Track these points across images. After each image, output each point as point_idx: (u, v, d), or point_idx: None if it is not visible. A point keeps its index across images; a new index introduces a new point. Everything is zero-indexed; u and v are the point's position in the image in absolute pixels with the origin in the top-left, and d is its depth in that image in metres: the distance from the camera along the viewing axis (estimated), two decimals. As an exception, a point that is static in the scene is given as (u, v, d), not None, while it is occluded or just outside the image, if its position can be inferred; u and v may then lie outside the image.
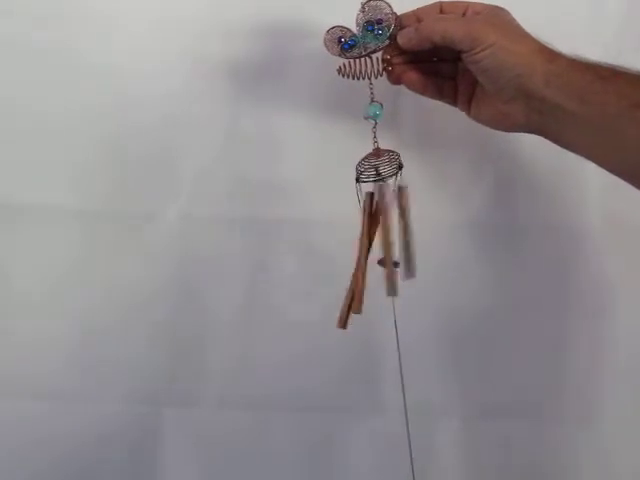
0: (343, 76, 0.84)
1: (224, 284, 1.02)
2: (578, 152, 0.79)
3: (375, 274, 0.85)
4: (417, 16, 0.82)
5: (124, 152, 1.01)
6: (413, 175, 0.92)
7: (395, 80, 0.85)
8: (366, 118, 0.85)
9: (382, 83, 0.85)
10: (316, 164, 1.01)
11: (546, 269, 1.02)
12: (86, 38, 0.99)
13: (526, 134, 0.82)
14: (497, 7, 0.80)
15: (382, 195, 0.83)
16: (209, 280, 1.02)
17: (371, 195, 0.84)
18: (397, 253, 0.84)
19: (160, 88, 1.00)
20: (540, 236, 1.01)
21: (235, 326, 1.03)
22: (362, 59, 0.83)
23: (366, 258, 0.84)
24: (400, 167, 0.84)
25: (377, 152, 0.84)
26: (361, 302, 0.84)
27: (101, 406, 1.03)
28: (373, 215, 0.85)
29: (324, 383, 1.03)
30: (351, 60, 0.84)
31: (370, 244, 0.85)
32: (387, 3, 0.81)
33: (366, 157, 0.84)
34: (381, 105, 0.85)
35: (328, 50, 0.84)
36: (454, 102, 0.87)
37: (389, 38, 0.82)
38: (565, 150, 0.80)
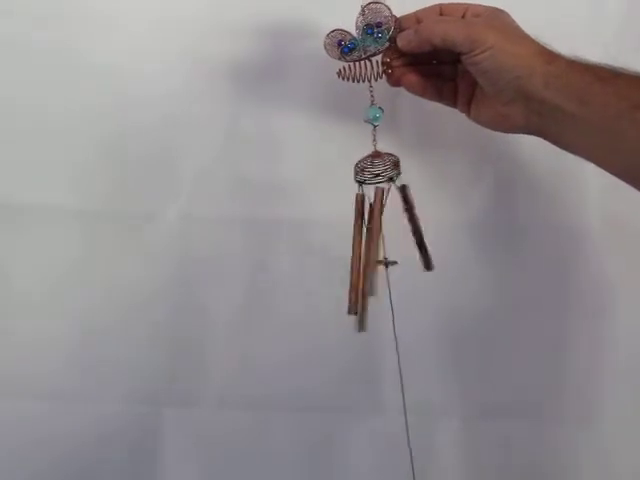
0: (343, 79, 0.84)
1: (224, 284, 1.02)
2: (578, 153, 0.79)
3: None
4: (417, 18, 0.82)
5: (124, 152, 1.01)
6: (413, 175, 0.92)
7: (395, 82, 0.85)
8: (366, 121, 0.85)
9: (382, 85, 0.85)
10: (316, 164, 1.01)
11: (546, 269, 1.02)
12: (86, 38, 0.99)
13: (526, 135, 0.82)
14: (496, 9, 0.80)
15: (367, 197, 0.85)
16: (209, 280, 1.02)
17: (361, 197, 0.85)
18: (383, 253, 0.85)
19: (160, 88, 1.00)
20: (540, 236, 1.01)
21: (235, 326, 1.03)
22: (362, 62, 0.83)
23: (359, 258, 0.85)
24: (397, 167, 0.84)
25: (376, 154, 0.84)
26: (357, 301, 0.84)
27: (101, 406, 1.03)
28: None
29: (324, 383, 1.03)
30: (351, 63, 0.84)
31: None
32: (387, 6, 0.81)
33: (365, 158, 0.84)
34: (381, 108, 0.85)
35: (328, 54, 0.84)
36: (454, 104, 0.87)
37: (389, 41, 0.82)
38: (565, 151, 0.80)
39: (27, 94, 1.00)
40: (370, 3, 0.81)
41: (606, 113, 0.73)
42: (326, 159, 1.00)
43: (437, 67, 0.86)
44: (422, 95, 0.87)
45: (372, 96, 0.85)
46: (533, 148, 0.95)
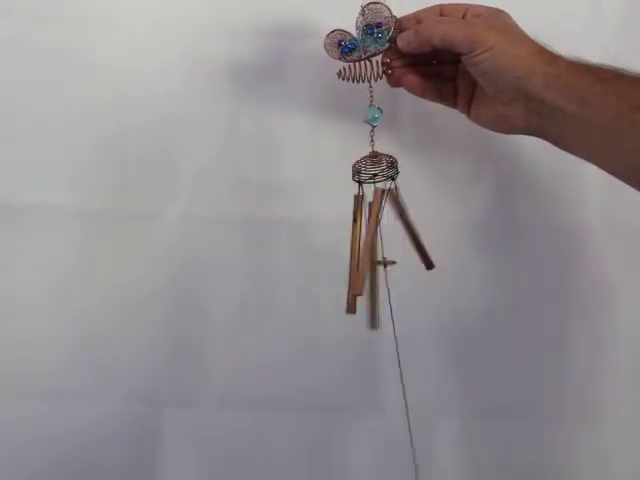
0: (343, 79, 0.84)
1: (224, 284, 1.02)
2: (578, 154, 0.79)
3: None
4: (417, 19, 0.82)
5: (124, 152, 1.01)
6: (413, 176, 0.93)
7: (395, 83, 0.85)
8: (365, 121, 0.85)
9: (382, 85, 0.85)
10: (316, 164, 1.01)
11: (546, 269, 1.02)
12: (86, 38, 0.99)
13: (526, 135, 0.82)
14: (497, 10, 0.80)
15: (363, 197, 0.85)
16: (209, 280, 1.02)
17: (359, 197, 0.86)
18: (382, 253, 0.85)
19: (160, 88, 1.00)
20: (540, 236, 1.01)
21: (235, 326, 1.03)
22: (362, 62, 0.83)
23: (357, 258, 0.85)
24: (394, 167, 0.84)
25: (374, 155, 0.85)
26: (355, 301, 0.84)
27: (101, 406, 1.03)
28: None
29: (324, 383, 1.03)
30: (351, 63, 0.84)
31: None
32: (387, 6, 0.81)
33: (362, 159, 0.85)
34: (379, 109, 0.85)
35: (328, 54, 0.83)
36: (454, 104, 0.87)
37: (389, 41, 0.82)
38: (565, 151, 0.80)
39: (27, 94, 1.00)
40: (370, 3, 0.81)
41: (606, 114, 0.73)
42: (326, 159, 1.00)
43: (437, 67, 0.86)
44: (422, 96, 0.87)
45: (371, 96, 0.85)
46: (533, 148, 0.95)
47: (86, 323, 1.02)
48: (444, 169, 1.01)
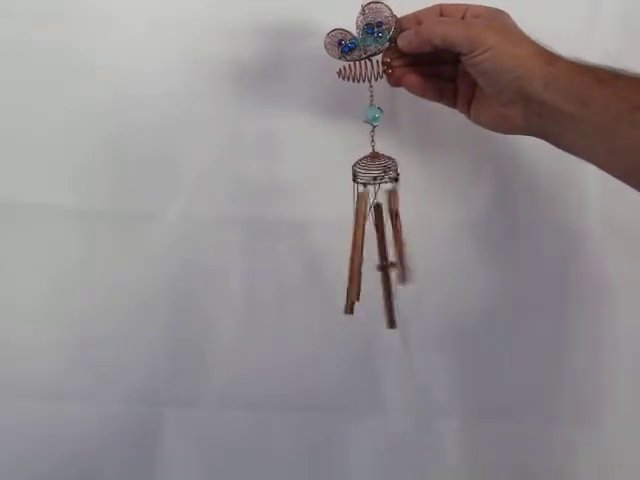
0: (343, 79, 0.84)
1: (224, 284, 1.02)
2: (578, 155, 0.78)
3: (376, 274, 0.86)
4: (417, 19, 0.82)
5: (124, 152, 1.01)
6: (413, 175, 0.93)
7: (395, 83, 0.85)
8: (365, 121, 0.85)
9: (382, 85, 0.85)
10: (316, 164, 1.00)
11: (546, 269, 1.02)
12: (86, 38, 0.99)
13: (526, 136, 0.82)
14: (497, 10, 0.80)
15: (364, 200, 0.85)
16: (209, 280, 1.02)
17: (362, 197, 0.85)
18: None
19: (160, 88, 1.00)
20: (540, 236, 1.01)
21: (235, 326, 1.03)
22: (362, 62, 0.83)
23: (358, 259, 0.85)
24: (393, 170, 0.84)
25: (374, 155, 0.85)
26: (354, 302, 0.85)
27: (101, 406, 1.03)
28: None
29: (324, 383, 1.03)
30: (351, 63, 0.84)
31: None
32: (387, 6, 0.81)
33: (363, 159, 0.85)
34: (380, 108, 0.85)
35: (328, 53, 0.83)
36: (454, 104, 0.87)
37: (389, 41, 0.81)
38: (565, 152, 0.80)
39: (27, 94, 1.00)
40: (370, 3, 0.81)
41: (606, 114, 0.73)
42: (326, 159, 1.00)
43: (437, 67, 0.86)
44: (422, 95, 0.86)
45: (372, 96, 0.85)
46: (533, 148, 0.95)
47: (86, 323, 1.02)
48: (444, 169, 1.01)
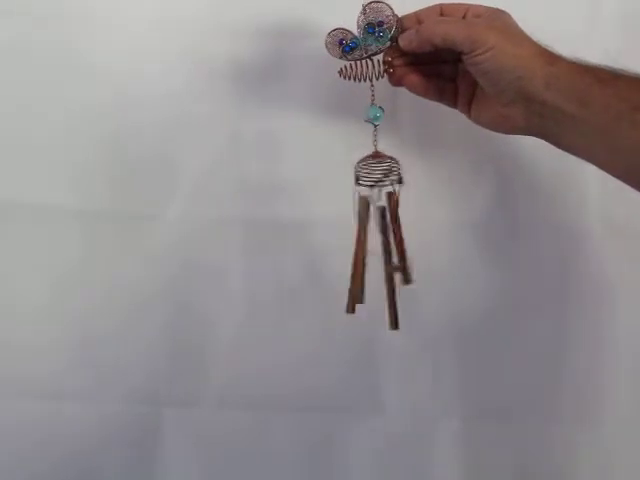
0: (345, 78, 0.84)
1: (224, 284, 1.02)
2: (578, 155, 0.79)
3: (377, 273, 0.86)
4: (418, 18, 0.82)
5: (124, 152, 1.01)
6: (414, 175, 0.92)
7: (396, 82, 0.85)
8: (366, 121, 0.85)
9: (382, 84, 0.85)
10: (317, 164, 1.00)
11: (546, 269, 1.02)
12: (86, 38, 0.99)
13: (526, 136, 0.82)
14: (497, 10, 0.80)
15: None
16: (209, 280, 1.02)
17: (365, 199, 0.85)
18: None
19: (160, 88, 1.00)
20: (540, 236, 1.01)
21: (235, 326, 1.03)
22: (363, 61, 0.84)
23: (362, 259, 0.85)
24: (396, 171, 0.84)
25: (376, 155, 0.85)
26: (355, 301, 0.85)
27: (101, 406, 1.03)
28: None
29: (324, 383, 1.03)
30: (352, 62, 0.84)
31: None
32: (388, 5, 0.81)
33: (364, 159, 0.84)
34: (381, 108, 0.85)
35: (329, 52, 0.84)
36: (454, 104, 0.87)
37: (390, 40, 0.82)
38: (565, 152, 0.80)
39: (27, 94, 1.00)
40: (371, 2, 0.81)
41: (606, 114, 0.73)
42: (327, 159, 1.00)
43: (438, 67, 0.86)
44: (423, 95, 0.86)
45: (373, 95, 0.85)
46: (534, 148, 0.95)
47: (86, 323, 1.02)
48: (444, 169, 1.00)
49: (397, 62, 0.84)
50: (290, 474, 1.04)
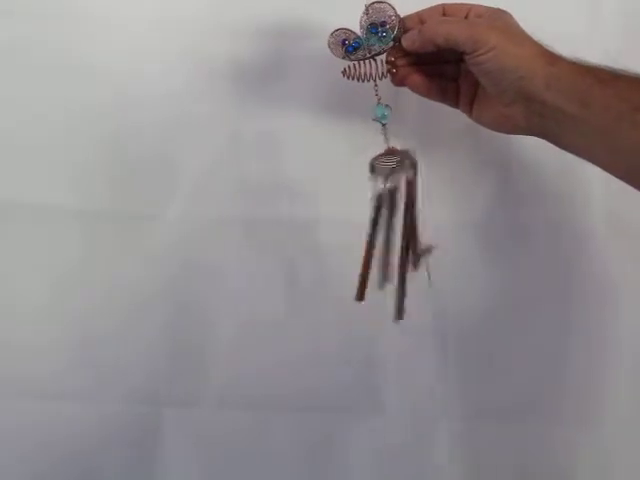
0: (348, 78, 0.85)
1: (224, 284, 1.02)
2: (579, 155, 0.79)
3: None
4: (420, 18, 0.83)
5: (124, 152, 1.01)
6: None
7: (399, 82, 0.85)
8: (374, 120, 0.85)
9: (384, 83, 0.85)
10: (318, 164, 1.00)
11: (548, 269, 1.02)
12: (86, 38, 0.99)
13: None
14: (499, 10, 0.80)
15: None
16: (209, 280, 1.02)
17: (382, 190, 0.85)
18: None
19: (160, 88, 1.00)
20: (542, 236, 1.01)
21: (235, 326, 1.02)
22: (366, 61, 0.84)
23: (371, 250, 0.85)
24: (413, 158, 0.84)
25: (390, 151, 0.85)
26: (364, 289, 0.85)
27: (101, 406, 1.03)
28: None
29: (324, 383, 1.03)
30: (355, 62, 0.84)
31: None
32: (391, 5, 0.81)
33: (379, 155, 0.85)
34: (388, 106, 0.85)
35: (332, 52, 0.84)
36: (456, 104, 0.87)
37: (393, 40, 0.82)
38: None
39: (27, 94, 1.00)
40: (374, 2, 0.82)
41: (607, 115, 0.73)
42: (328, 159, 1.00)
43: (440, 67, 0.86)
44: (426, 95, 0.87)
45: (378, 95, 0.85)
46: (536, 148, 0.94)
47: (86, 323, 1.02)
48: (446, 169, 1.01)
49: (400, 62, 0.84)
50: (290, 474, 1.04)
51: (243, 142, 1.01)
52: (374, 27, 0.82)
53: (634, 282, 1.01)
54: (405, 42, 0.82)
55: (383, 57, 0.84)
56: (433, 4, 0.84)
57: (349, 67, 0.84)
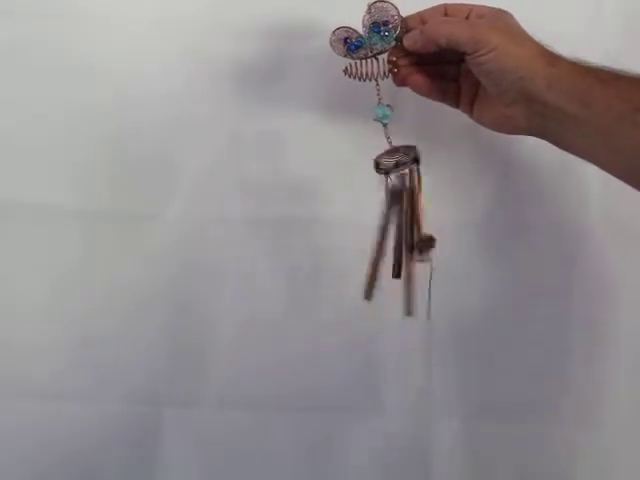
0: (350, 77, 0.85)
1: (224, 284, 1.02)
2: (580, 155, 0.79)
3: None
4: (422, 18, 0.83)
5: (124, 152, 1.01)
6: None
7: (400, 82, 0.85)
8: (375, 120, 0.85)
9: (384, 83, 0.85)
10: (318, 164, 1.00)
11: (547, 269, 1.02)
12: (86, 38, 0.99)
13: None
14: (500, 10, 0.81)
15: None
16: (209, 280, 1.02)
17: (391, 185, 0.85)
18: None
19: (160, 88, 1.00)
20: (542, 235, 1.01)
21: (235, 326, 1.02)
22: (368, 60, 0.84)
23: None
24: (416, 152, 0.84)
25: (394, 149, 0.85)
26: (372, 287, 0.84)
27: (101, 406, 1.03)
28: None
29: (324, 383, 1.03)
30: (357, 61, 0.84)
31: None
32: (393, 5, 0.82)
33: (383, 153, 0.84)
34: (389, 106, 0.85)
35: (334, 51, 0.84)
36: (456, 104, 0.87)
37: (395, 40, 0.82)
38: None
39: (27, 94, 1.00)
40: (377, 2, 0.82)
41: (608, 115, 0.74)
42: (328, 158, 1.00)
43: (441, 67, 0.86)
44: (427, 95, 0.87)
45: (379, 94, 0.85)
46: (535, 148, 0.94)
47: (86, 323, 1.02)
48: (446, 169, 1.01)
49: (402, 62, 0.84)
50: (290, 474, 1.04)
51: (243, 142, 1.01)
52: (376, 26, 0.82)
53: (632, 281, 1.01)
54: (407, 42, 0.82)
55: (385, 56, 0.84)
56: (435, 4, 0.84)
57: (351, 65, 0.84)
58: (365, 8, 0.83)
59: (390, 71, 0.84)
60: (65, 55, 0.99)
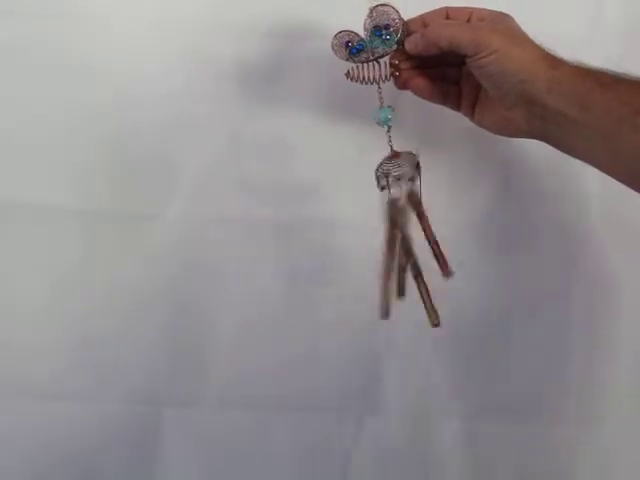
0: (351, 80, 0.85)
1: (224, 284, 1.02)
2: (580, 158, 0.79)
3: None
4: (423, 21, 0.83)
5: (124, 152, 1.01)
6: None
7: (402, 85, 0.86)
8: (378, 123, 0.85)
9: (385, 85, 0.85)
10: (319, 165, 1.00)
11: (548, 269, 1.02)
12: (86, 38, 0.99)
13: (529, 138, 0.83)
14: (501, 13, 0.81)
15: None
16: (209, 280, 1.02)
17: (393, 202, 0.85)
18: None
19: (160, 88, 1.00)
20: (542, 236, 1.01)
21: (235, 326, 1.03)
22: (370, 64, 0.84)
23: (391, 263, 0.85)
24: (418, 167, 0.84)
25: (395, 155, 0.85)
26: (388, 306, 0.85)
27: (101, 406, 1.03)
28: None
29: (324, 383, 1.03)
30: (359, 64, 0.84)
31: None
32: (395, 9, 0.82)
33: (383, 161, 0.85)
34: (391, 108, 0.85)
35: (336, 54, 0.84)
36: (457, 107, 0.88)
37: (397, 43, 0.82)
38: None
39: (27, 94, 1.00)
40: (378, 5, 0.82)
41: (608, 118, 0.74)
42: (329, 159, 1.00)
43: (442, 70, 0.86)
44: (428, 99, 0.87)
45: (381, 98, 0.85)
46: (535, 148, 0.94)
47: (86, 323, 1.02)
48: (446, 169, 1.01)
49: (403, 65, 0.84)
50: (290, 474, 1.04)
51: (243, 142, 1.01)
52: (378, 30, 0.82)
53: (632, 281, 1.02)
54: (408, 45, 0.82)
55: (386, 60, 0.84)
56: (436, 7, 0.84)
57: (352, 69, 0.84)
58: (366, 10, 0.83)
59: (392, 74, 0.84)
60: (65, 55, 0.99)
